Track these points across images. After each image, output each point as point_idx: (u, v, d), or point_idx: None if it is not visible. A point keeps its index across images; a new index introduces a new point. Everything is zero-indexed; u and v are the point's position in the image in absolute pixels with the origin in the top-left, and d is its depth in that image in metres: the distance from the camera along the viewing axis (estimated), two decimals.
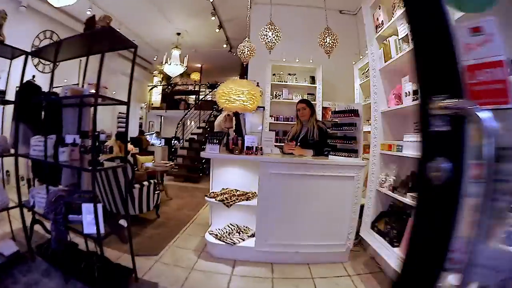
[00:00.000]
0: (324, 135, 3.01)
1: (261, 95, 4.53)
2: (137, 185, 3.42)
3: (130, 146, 6.68)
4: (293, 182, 2.57)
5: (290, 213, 2.60)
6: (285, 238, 2.60)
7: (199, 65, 11.76)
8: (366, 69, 4.10)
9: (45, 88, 2.56)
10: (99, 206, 1.81)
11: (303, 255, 2.60)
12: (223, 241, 2.66)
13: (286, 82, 5.24)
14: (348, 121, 2.72)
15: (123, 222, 2.17)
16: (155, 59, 9.89)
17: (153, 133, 10.67)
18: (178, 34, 7.79)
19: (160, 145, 9.72)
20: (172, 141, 9.93)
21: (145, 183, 3.56)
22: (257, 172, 2.60)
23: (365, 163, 2.66)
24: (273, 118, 5.11)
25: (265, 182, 2.56)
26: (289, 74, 5.30)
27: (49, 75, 2.37)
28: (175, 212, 4.26)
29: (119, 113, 8.84)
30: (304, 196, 2.59)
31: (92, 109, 2.37)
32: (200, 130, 8.98)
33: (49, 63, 3.08)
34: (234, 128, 3.22)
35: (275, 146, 3.24)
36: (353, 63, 4.62)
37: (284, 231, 2.61)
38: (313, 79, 5.22)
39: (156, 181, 3.98)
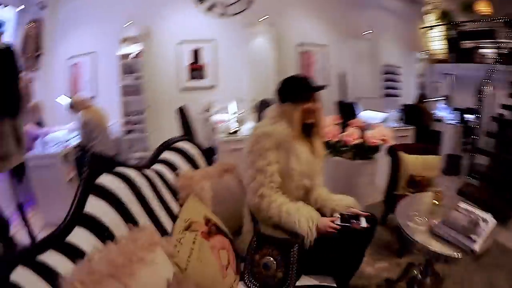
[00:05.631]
0: None
1: None
2: None
3: (382, 131, 2.72)
4: None
5: None
6: None
7: None
8: None
9: None
10: None
11: None
12: None
13: None
14: None
15: None
16: None
17: (439, 99, 5.74)
18: None
19: (453, 121, 4.94)
20: (465, 117, 4.97)
21: None
22: None
23: None
24: None
25: None
26: None
27: None
28: None
29: (385, 65, 5.60)
30: None
31: None
32: None
33: None
34: None
35: None
36: None
37: None
38: None
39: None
